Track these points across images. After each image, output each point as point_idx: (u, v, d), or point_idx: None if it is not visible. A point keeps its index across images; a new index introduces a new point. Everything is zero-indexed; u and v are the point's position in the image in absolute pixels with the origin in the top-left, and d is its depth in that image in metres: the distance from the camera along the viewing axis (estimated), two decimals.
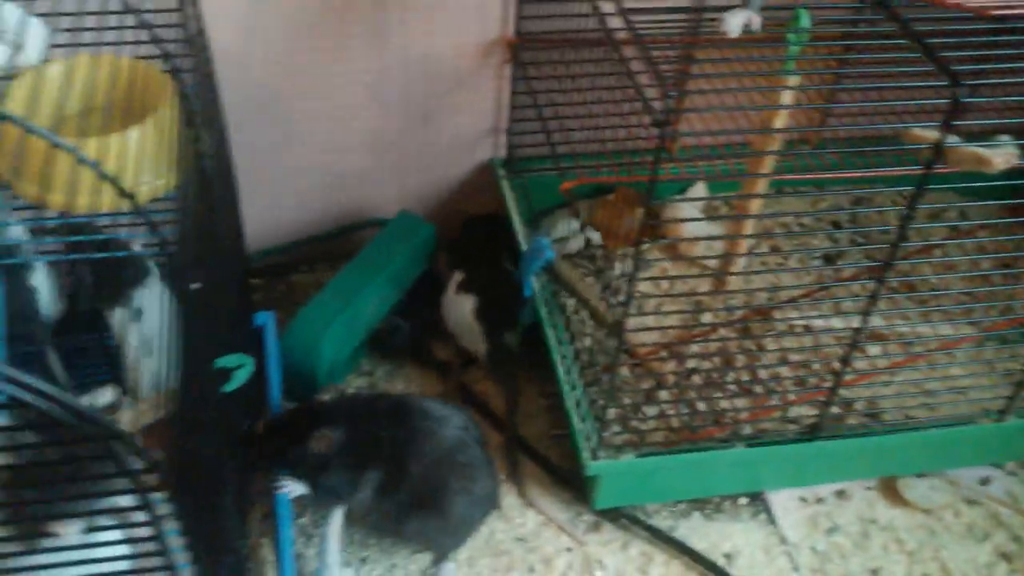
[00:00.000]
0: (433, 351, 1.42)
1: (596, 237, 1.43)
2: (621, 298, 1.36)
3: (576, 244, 1.45)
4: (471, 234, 1.50)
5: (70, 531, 0.67)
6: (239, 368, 0.90)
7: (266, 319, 1.28)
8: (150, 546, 0.60)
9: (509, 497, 1.24)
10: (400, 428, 1.10)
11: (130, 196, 0.65)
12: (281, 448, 1.08)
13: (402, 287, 1.42)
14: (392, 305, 1.40)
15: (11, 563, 0.61)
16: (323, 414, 1.10)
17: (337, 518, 1.10)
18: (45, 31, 0.85)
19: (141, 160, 0.83)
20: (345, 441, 1.07)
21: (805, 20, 1.01)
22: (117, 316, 0.93)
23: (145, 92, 0.88)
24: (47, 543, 0.66)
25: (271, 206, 1.47)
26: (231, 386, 0.87)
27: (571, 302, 1.34)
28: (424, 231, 1.45)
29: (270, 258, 1.53)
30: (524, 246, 1.36)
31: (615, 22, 0.95)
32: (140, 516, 0.58)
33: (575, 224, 1.44)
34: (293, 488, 1.08)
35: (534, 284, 1.30)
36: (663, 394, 1.28)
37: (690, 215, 1.46)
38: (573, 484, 1.24)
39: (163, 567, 0.63)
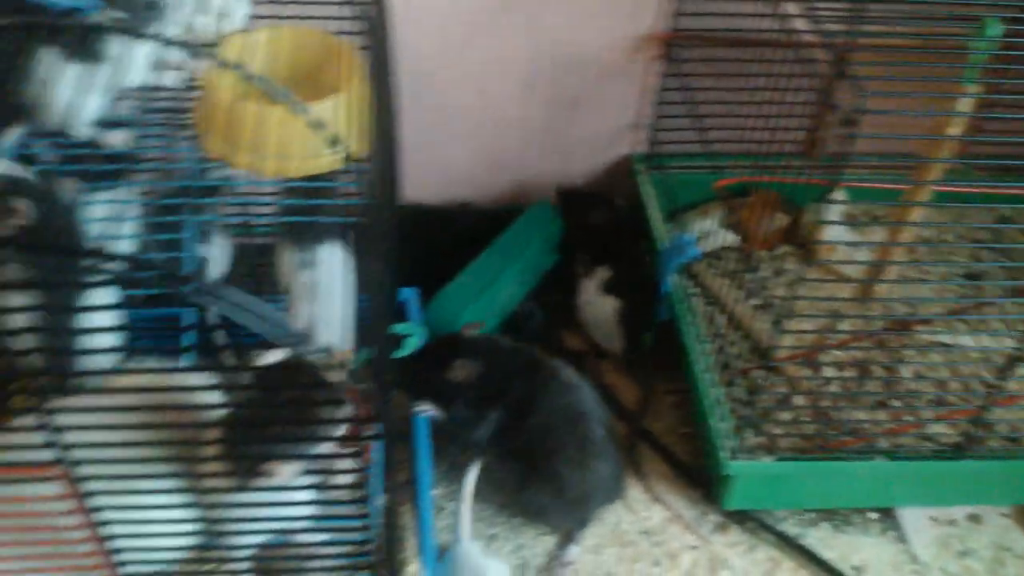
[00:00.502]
0: (564, 340, 1.43)
1: (733, 238, 1.42)
2: (756, 301, 1.37)
3: (712, 244, 1.44)
4: (598, 222, 1.48)
5: (286, 473, 0.70)
6: (410, 336, 0.93)
7: (410, 295, 1.31)
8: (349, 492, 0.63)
9: (635, 490, 1.24)
10: (531, 380, 1.13)
11: (350, 157, 0.68)
12: (423, 374, 1.10)
13: (537, 274, 1.44)
14: (527, 291, 1.42)
15: (234, 498, 0.65)
16: (464, 347, 1.13)
17: (471, 480, 1.13)
18: (247, 2, 0.88)
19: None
20: (479, 376, 1.10)
21: (995, 29, 0.99)
22: (295, 260, 0.93)
23: (333, 66, 0.91)
24: (262, 483, 0.69)
25: (417, 186, 1.50)
26: (402, 352, 0.90)
27: (704, 302, 1.34)
28: (556, 224, 1.46)
29: None
30: (662, 242, 1.36)
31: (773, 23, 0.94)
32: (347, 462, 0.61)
33: (712, 223, 1.43)
34: (430, 410, 1.11)
35: (673, 281, 1.30)
36: (798, 400, 1.26)
37: (833, 222, 1.43)
38: (700, 483, 1.24)
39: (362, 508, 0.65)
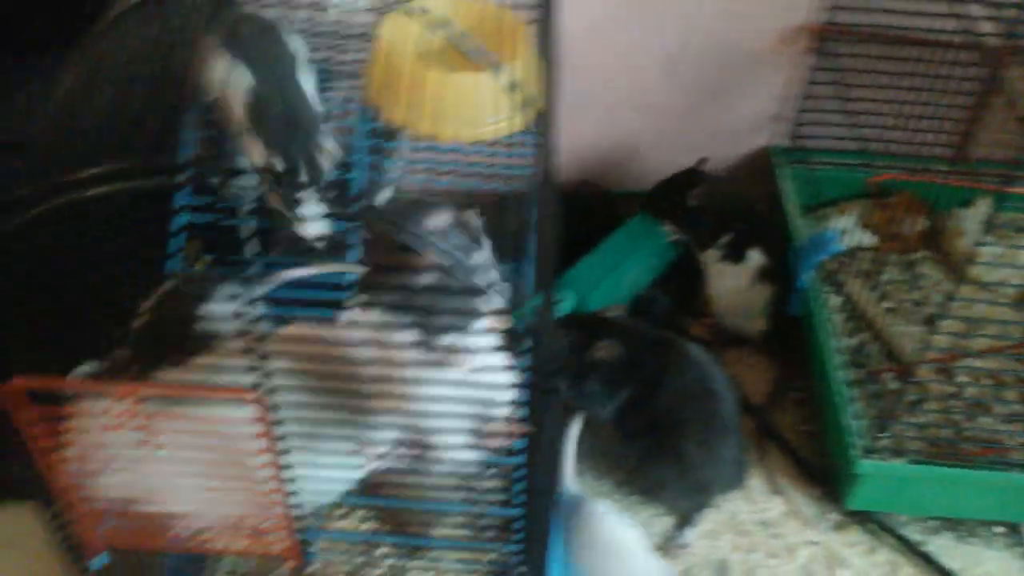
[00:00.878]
0: (688, 327, 1.43)
1: (870, 238, 1.40)
2: (890, 304, 1.35)
3: (849, 243, 1.42)
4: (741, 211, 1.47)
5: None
6: (562, 301, 0.95)
7: None
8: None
9: (755, 480, 1.24)
10: (663, 359, 1.16)
11: (532, 121, 0.70)
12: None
13: (665, 260, 1.45)
14: (654, 276, 1.43)
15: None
16: (604, 328, 1.16)
17: (574, 432, 1.14)
18: None
19: (497, 100, 0.88)
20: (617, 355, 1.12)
21: None
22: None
23: (501, 37, 0.93)
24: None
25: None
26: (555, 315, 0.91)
27: (838, 301, 1.33)
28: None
29: None
30: (799, 237, 1.35)
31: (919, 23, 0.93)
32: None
33: (849, 222, 1.41)
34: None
35: (808, 278, 1.29)
36: (929, 406, 1.24)
37: (975, 229, 1.40)
38: (821, 480, 1.23)
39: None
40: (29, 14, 0.91)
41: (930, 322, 1.33)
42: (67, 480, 0.63)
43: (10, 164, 0.84)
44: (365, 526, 0.99)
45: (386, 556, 1.00)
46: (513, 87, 0.68)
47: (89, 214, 0.59)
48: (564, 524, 1.05)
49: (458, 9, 0.96)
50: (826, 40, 1.35)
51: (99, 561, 0.71)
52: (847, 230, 1.37)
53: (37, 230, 0.51)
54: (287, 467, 0.64)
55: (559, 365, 0.59)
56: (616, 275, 1.37)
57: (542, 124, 0.83)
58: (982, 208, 1.46)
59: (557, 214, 0.77)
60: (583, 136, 1.52)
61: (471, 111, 0.78)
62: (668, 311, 1.43)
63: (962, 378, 1.29)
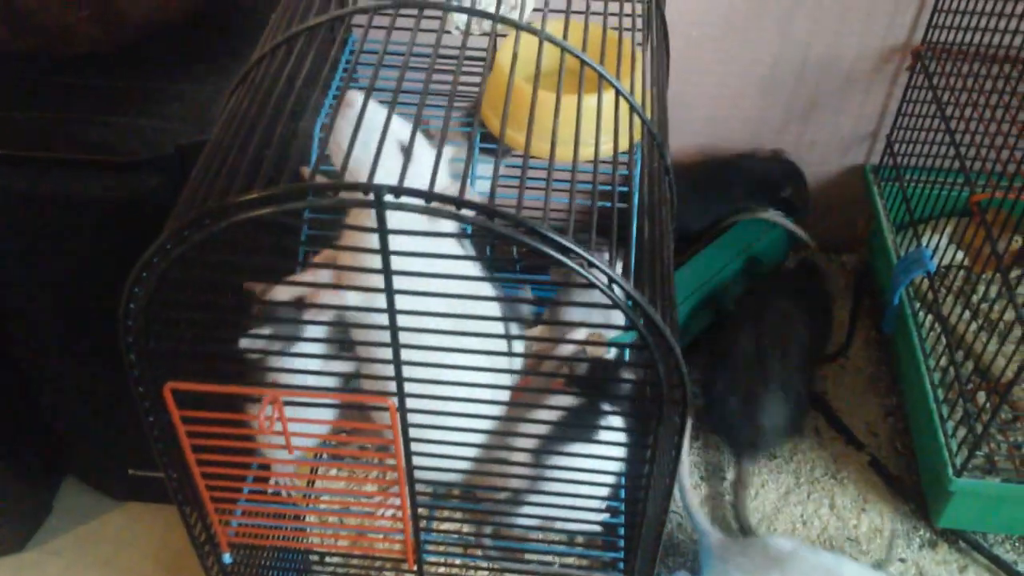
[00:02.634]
0: None
1: (963, 257, 1.39)
2: (982, 323, 1.34)
3: (942, 261, 1.41)
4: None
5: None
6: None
7: None
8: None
9: (844, 497, 1.25)
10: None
11: (660, 145, 0.73)
12: None
13: (755, 275, 1.46)
14: (743, 292, 1.44)
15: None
16: None
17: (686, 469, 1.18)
18: None
19: (608, 120, 0.90)
20: None
21: None
22: None
23: (612, 59, 0.96)
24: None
25: None
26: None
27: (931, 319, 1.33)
28: (778, 228, 1.48)
29: None
30: (894, 254, 1.35)
31: None
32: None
33: (942, 240, 1.41)
34: None
35: (902, 295, 1.30)
36: (1022, 426, 1.24)
37: None
38: (910, 498, 1.24)
39: None
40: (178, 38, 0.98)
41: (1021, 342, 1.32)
42: (209, 480, 0.68)
43: (158, 179, 0.90)
44: (466, 528, 1.03)
45: (487, 558, 1.04)
46: (632, 107, 0.71)
47: (244, 233, 0.64)
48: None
49: (574, 30, 0.99)
50: (924, 59, 1.35)
51: (228, 557, 0.76)
52: (940, 248, 1.36)
53: (203, 248, 0.56)
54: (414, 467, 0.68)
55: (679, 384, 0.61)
56: (708, 288, 1.39)
57: (654, 143, 0.86)
58: None
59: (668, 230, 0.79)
60: (679, 152, 1.54)
61: (582, 131, 0.81)
62: None
63: None
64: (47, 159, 0.92)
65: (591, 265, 0.54)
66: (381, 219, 0.53)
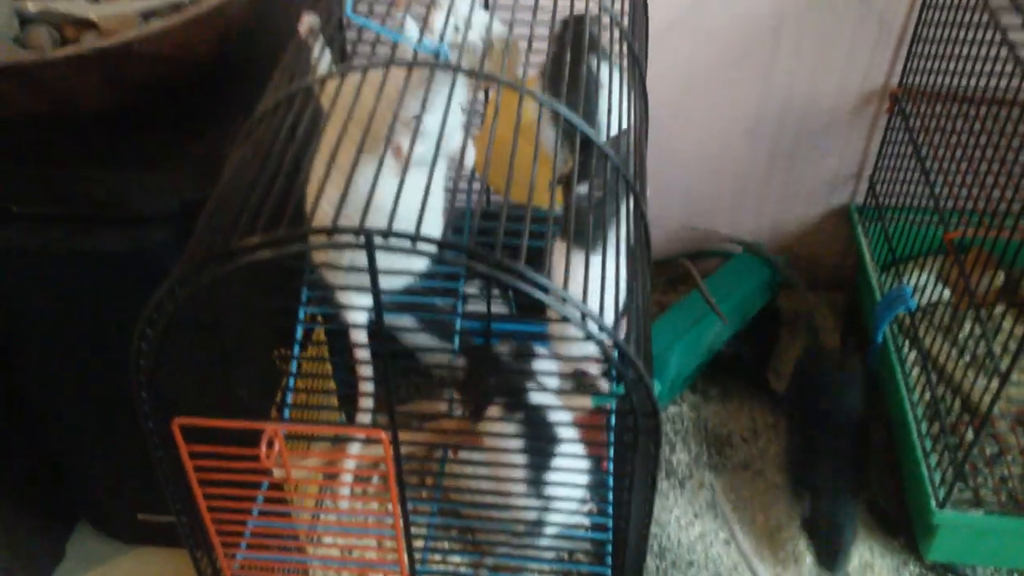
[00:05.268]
0: (769, 381, 1.48)
1: (948, 294, 1.43)
2: (968, 358, 1.37)
3: (927, 298, 1.45)
4: None
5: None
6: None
7: None
8: None
9: None
10: None
11: (633, 189, 0.77)
12: None
13: (745, 316, 1.50)
14: (734, 331, 1.48)
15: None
16: None
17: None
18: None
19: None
20: None
21: None
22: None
23: None
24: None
25: None
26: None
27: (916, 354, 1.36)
28: (771, 266, 1.52)
29: None
30: (878, 293, 1.39)
31: None
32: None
33: (927, 278, 1.45)
34: None
35: (886, 332, 1.33)
36: (1007, 459, 1.26)
37: None
38: (900, 531, 1.26)
39: None
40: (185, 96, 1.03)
41: (1007, 375, 1.35)
42: (217, 515, 0.72)
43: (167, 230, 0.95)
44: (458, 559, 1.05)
45: None
46: (607, 157, 0.76)
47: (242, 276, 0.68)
48: None
49: None
50: (901, 101, 1.40)
51: None
52: (924, 286, 1.40)
53: (212, 289, 0.60)
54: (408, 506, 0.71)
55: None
56: (698, 330, 1.42)
57: (633, 191, 0.90)
58: None
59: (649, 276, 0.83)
60: (666, 197, 1.59)
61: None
62: (751, 367, 1.48)
63: None
64: (58, 215, 0.96)
65: (565, 301, 0.58)
66: (372, 260, 0.58)
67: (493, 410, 0.82)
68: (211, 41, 1.02)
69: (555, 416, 0.86)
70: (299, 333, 0.86)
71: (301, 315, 0.85)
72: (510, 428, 0.81)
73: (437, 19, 0.81)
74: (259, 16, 1.11)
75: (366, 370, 0.75)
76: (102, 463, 1.17)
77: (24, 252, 0.96)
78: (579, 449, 0.86)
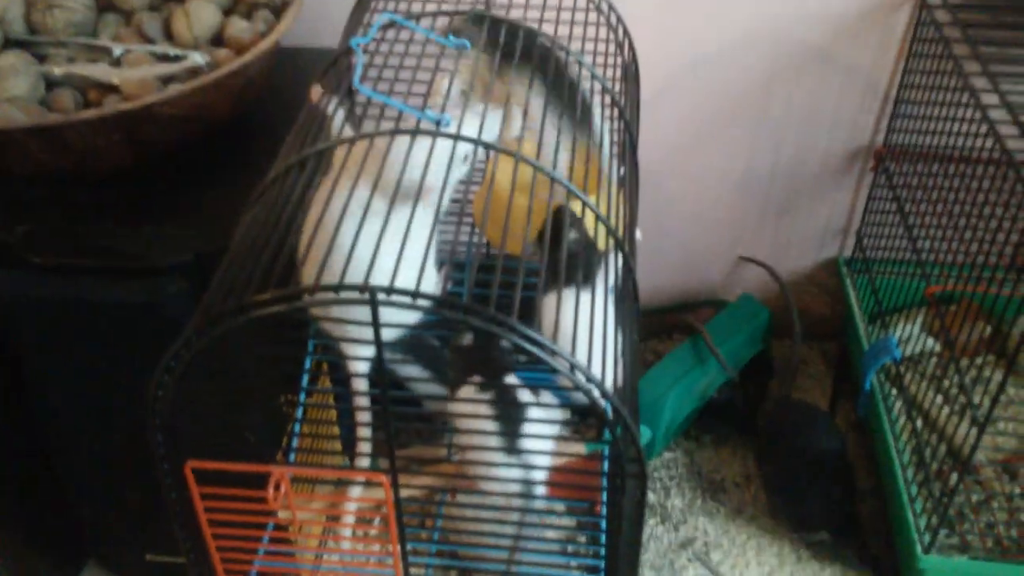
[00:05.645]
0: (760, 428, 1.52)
1: (935, 344, 1.47)
2: (954, 406, 1.41)
3: (914, 348, 1.50)
4: None
5: None
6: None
7: None
8: None
9: (827, 573, 1.30)
10: None
11: (622, 245, 0.82)
12: None
13: (738, 364, 1.54)
14: (727, 379, 1.52)
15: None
16: None
17: None
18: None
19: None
20: None
21: None
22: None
23: (591, 172, 1.06)
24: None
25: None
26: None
27: (903, 403, 1.40)
28: (763, 315, 1.57)
29: None
30: (866, 343, 1.43)
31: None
32: None
33: (914, 328, 1.49)
34: None
35: (873, 381, 1.37)
36: (994, 506, 1.29)
37: None
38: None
39: None
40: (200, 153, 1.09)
41: (985, 425, 1.39)
42: (224, 554, 0.76)
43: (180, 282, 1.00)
44: None
45: None
46: (597, 217, 0.81)
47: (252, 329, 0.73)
48: None
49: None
50: (886, 160, 1.46)
51: None
52: (911, 336, 1.45)
53: (222, 342, 0.65)
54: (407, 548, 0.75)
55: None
56: (691, 378, 1.47)
57: (628, 244, 0.95)
58: None
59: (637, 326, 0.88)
60: (663, 248, 1.64)
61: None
62: (743, 412, 1.52)
63: None
64: (78, 267, 1.02)
65: (554, 353, 0.62)
66: (375, 315, 0.62)
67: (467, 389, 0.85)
68: (226, 103, 1.08)
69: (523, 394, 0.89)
70: (305, 380, 0.91)
71: (307, 364, 0.90)
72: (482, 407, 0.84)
73: (442, 84, 0.87)
74: (272, 77, 1.17)
75: (364, 416, 0.80)
76: (112, 504, 1.21)
77: (44, 302, 1.02)
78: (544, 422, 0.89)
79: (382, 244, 0.67)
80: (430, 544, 0.87)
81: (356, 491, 0.77)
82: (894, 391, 1.39)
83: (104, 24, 1.15)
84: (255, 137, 1.15)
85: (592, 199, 0.89)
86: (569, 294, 0.89)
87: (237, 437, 0.77)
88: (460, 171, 0.84)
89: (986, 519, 1.28)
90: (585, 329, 0.77)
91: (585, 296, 0.87)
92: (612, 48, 1.08)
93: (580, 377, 0.64)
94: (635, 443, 0.68)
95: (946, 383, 1.41)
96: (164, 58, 1.09)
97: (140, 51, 1.09)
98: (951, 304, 1.50)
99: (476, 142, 0.76)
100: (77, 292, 1.01)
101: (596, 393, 0.65)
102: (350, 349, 0.79)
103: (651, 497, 1.43)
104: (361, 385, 0.81)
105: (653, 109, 1.45)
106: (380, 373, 0.67)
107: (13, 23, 1.12)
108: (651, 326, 1.71)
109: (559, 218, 0.89)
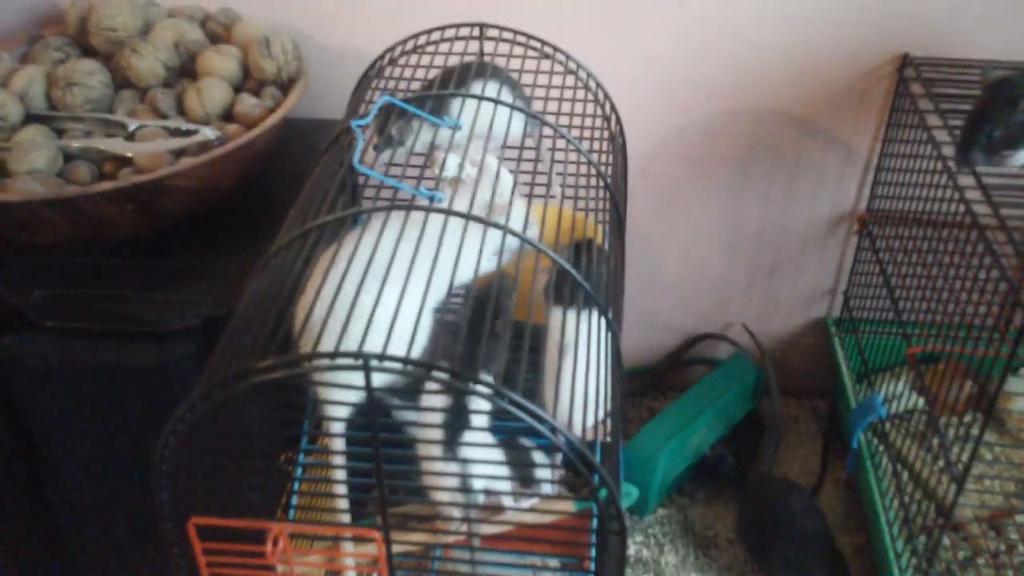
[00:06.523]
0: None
1: (921, 402, 1.50)
2: (941, 464, 1.44)
3: (901, 406, 1.53)
4: None
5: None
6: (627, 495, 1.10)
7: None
8: None
9: None
10: None
11: (606, 313, 0.87)
12: None
13: (730, 422, 1.58)
14: (719, 436, 1.56)
15: None
16: None
17: None
18: (511, 179, 1.10)
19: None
20: None
21: None
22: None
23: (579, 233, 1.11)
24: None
25: (624, 332, 1.69)
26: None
27: (890, 461, 1.43)
28: (753, 374, 1.61)
29: None
30: (853, 401, 1.47)
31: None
32: None
33: (901, 387, 1.53)
34: None
35: (860, 439, 1.41)
36: (980, 562, 1.32)
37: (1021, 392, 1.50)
38: None
39: None
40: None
41: (963, 482, 1.42)
42: None
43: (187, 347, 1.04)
44: None
45: None
46: (584, 288, 0.85)
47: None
48: None
49: (549, 212, 1.14)
50: (869, 224, 1.51)
51: None
52: (897, 395, 1.48)
53: (229, 403, 0.69)
54: None
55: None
56: (685, 434, 1.50)
57: (614, 299, 1.00)
58: None
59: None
60: (653, 308, 1.69)
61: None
62: (734, 469, 1.55)
63: (1014, 535, 1.37)
64: (89, 330, 1.07)
65: (541, 420, 0.67)
66: (368, 382, 0.67)
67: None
68: (235, 174, 1.14)
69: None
70: (304, 441, 0.95)
71: (306, 425, 0.94)
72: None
73: (439, 159, 0.93)
74: (280, 148, 1.23)
75: (340, 474, 0.85)
76: (115, 559, 1.24)
77: (57, 364, 1.07)
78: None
79: (376, 314, 0.72)
80: None
81: (348, 547, 0.81)
82: (881, 449, 1.42)
83: (120, 100, 1.21)
84: (262, 206, 1.21)
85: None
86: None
87: (240, 496, 0.81)
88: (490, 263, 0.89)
89: (973, 575, 1.30)
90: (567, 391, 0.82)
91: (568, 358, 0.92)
92: (600, 123, 1.14)
93: (561, 439, 0.68)
94: (614, 502, 0.72)
95: (935, 441, 1.44)
96: (176, 132, 1.15)
97: (154, 126, 1.16)
98: (936, 363, 1.54)
99: (467, 216, 0.81)
100: (87, 354, 1.06)
101: (577, 456, 0.69)
102: (334, 411, 0.84)
103: (645, 553, 1.45)
104: (336, 444, 0.85)
105: (642, 175, 1.51)
106: (373, 433, 0.72)
107: (34, 99, 1.18)
108: (644, 385, 1.75)
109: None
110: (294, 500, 0.91)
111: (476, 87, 1.00)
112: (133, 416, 1.08)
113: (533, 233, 0.95)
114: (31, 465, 1.17)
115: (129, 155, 1.11)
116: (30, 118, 1.17)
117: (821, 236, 1.58)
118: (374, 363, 0.66)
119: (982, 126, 1.09)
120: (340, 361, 0.67)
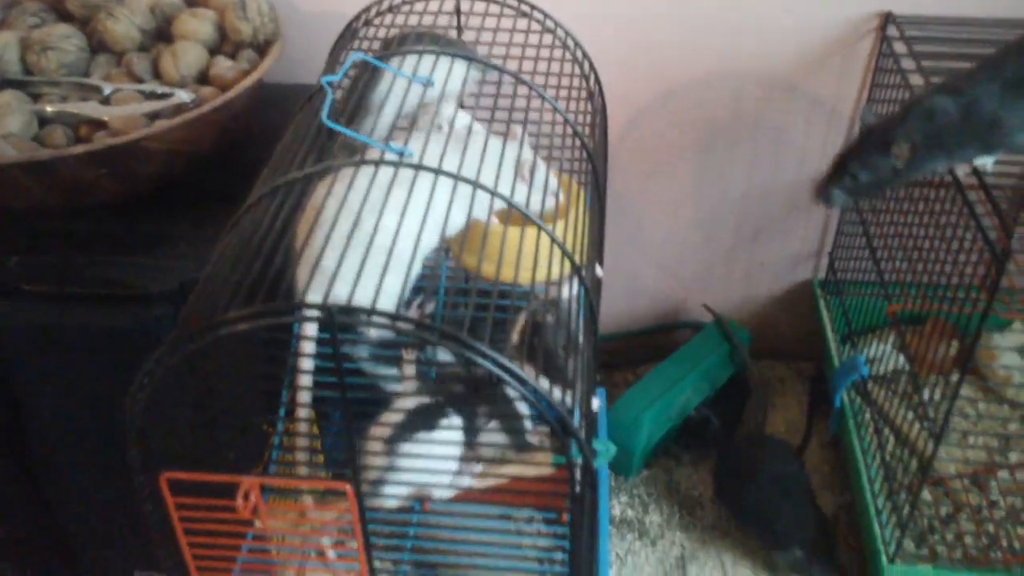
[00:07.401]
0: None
1: (905, 362, 1.51)
2: (927, 423, 1.45)
3: (886, 367, 1.54)
4: None
5: None
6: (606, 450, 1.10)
7: (599, 395, 1.48)
8: None
9: None
10: None
11: (579, 271, 0.87)
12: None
13: (714, 384, 1.58)
14: (704, 398, 1.56)
15: None
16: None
17: None
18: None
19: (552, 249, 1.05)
20: None
21: None
22: None
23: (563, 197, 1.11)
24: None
25: (609, 300, 1.69)
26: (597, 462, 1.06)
27: (873, 419, 1.44)
28: (739, 337, 1.61)
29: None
30: (837, 362, 1.47)
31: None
32: None
33: (885, 347, 1.53)
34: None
35: (843, 398, 1.41)
36: (962, 518, 1.33)
37: (1007, 351, 1.50)
38: None
39: None
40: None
41: (964, 438, 1.43)
42: (202, 563, 0.80)
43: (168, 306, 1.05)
44: None
45: None
46: (560, 249, 0.85)
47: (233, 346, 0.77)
48: None
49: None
50: None
51: None
52: (881, 355, 1.49)
53: (199, 359, 0.69)
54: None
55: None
56: (668, 397, 1.51)
57: (590, 266, 1.00)
58: (1017, 333, 1.57)
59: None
60: (639, 274, 1.69)
61: (525, 259, 0.96)
62: (719, 431, 1.56)
63: (995, 492, 1.38)
64: (68, 294, 1.07)
65: (517, 378, 0.67)
66: (333, 334, 0.67)
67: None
68: (210, 137, 1.13)
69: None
70: (284, 397, 0.95)
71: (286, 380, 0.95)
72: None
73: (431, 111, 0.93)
74: (255, 112, 1.23)
75: (303, 426, 0.85)
76: (100, 521, 1.25)
77: (36, 328, 1.07)
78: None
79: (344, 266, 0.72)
80: (402, 554, 0.91)
81: (309, 500, 0.82)
82: (864, 408, 1.43)
83: (96, 64, 1.21)
84: (240, 170, 1.21)
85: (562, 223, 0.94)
86: None
87: (216, 454, 0.81)
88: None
89: (954, 531, 1.31)
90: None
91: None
92: (578, 83, 1.13)
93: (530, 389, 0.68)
94: (584, 454, 0.72)
95: (915, 399, 1.45)
96: (152, 96, 1.14)
97: (129, 89, 1.15)
98: (918, 323, 1.54)
99: (437, 171, 0.81)
100: (68, 318, 1.06)
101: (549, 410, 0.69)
102: (302, 363, 0.84)
103: (630, 513, 1.46)
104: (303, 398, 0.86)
105: (626, 135, 1.51)
106: (341, 383, 0.72)
107: (9, 64, 1.18)
108: (630, 349, 1.76)
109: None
110: (274, 455, 0.92)
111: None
112: (112, 379, 1.07)
113: (552, 201, 0.97)
114: (13, 428, 1.17)
115: (104, 118, 1.11)
116: (5, 82, 1.17)
117: (807, 199, 1.58)
118: (338, 315, 0.66)
119: (848, 167, 1.08)
120: (306, 312, 0.67)
